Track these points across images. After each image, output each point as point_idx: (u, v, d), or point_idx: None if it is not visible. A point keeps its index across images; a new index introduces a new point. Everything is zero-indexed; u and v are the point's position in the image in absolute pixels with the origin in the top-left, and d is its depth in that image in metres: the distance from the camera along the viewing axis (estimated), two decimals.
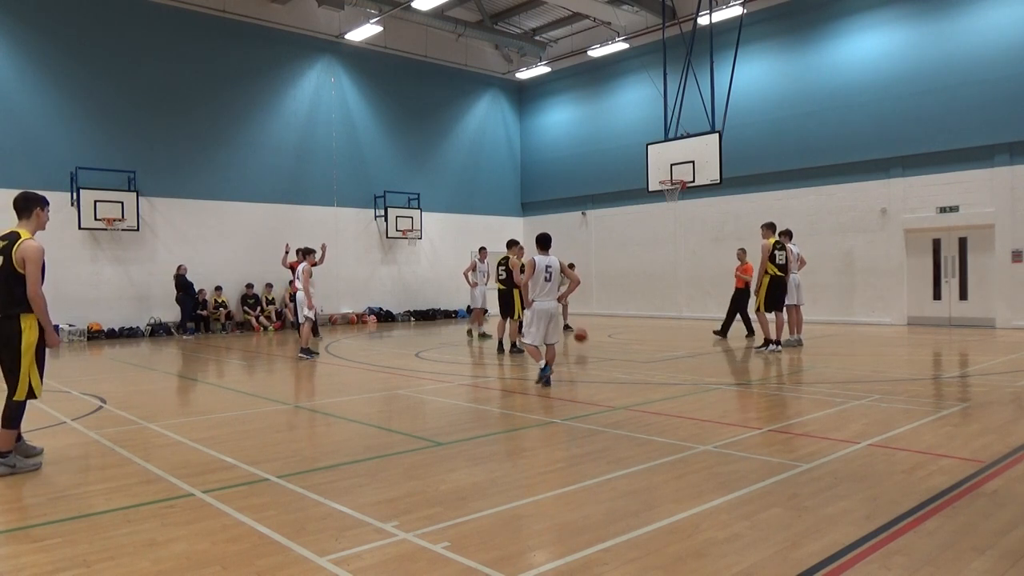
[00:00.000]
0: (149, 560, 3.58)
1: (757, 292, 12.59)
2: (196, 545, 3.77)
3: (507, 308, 13.26)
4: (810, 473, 4.92)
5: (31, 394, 5.31)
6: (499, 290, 13.43)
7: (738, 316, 15.38)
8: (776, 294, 12.57)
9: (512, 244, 13.58)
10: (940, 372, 10.22)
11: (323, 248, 15.90)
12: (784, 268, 12.63)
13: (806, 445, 5.73)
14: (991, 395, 7.87)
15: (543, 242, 9.09)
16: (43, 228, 5.55)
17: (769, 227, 12.74)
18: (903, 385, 8.65)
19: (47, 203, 5.60)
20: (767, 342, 12.39)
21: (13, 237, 5.31)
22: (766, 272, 12.50)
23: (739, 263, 15.62)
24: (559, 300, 8.99)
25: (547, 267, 8.80)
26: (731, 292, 15.47)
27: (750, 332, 15.13)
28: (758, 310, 12.54)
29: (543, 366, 8.91)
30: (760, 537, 3.76)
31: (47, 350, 5.49)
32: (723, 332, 15.37)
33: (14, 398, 5.26)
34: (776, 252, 12.58)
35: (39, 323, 5.31)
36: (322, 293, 15.53)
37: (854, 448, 5.59)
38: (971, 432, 6.12)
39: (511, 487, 4.74)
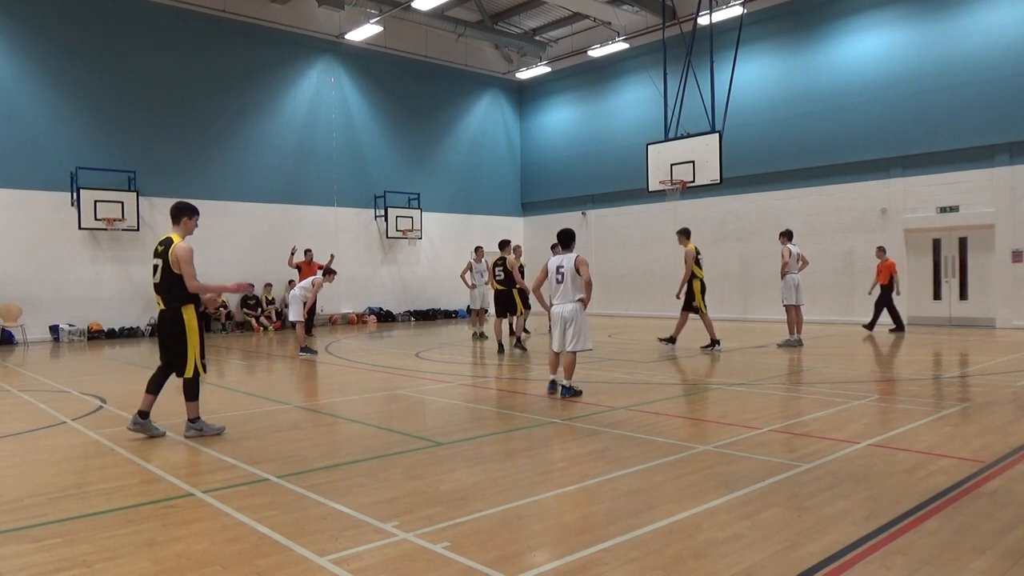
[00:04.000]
0: (149, 560, 3.58)
1: (686, 295, 13.01)
2: (196, 545, 3.77)
3: (505, 307, 13.33)
4: (810, 473, 4.92)
5: (197, 372, 6.35)
6: (497, 290, 13.46)
7: (883, 310, 15.97)
8: (703, 296, 13.04)
9: (504, 244, 13.66)
10: (940, 372, 10.22)
11: (331, 258, 16.56)
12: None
13: (806, 445, 5.73)
14: (991, 395, 7.86)
15: (562, 240, 8.30)
16: (191, 233, 6.48)
17: (686, 233, 13.36)
18: (903, 385, 8.65)
19: (196, 212, 6.52)
20: (714, 342, 12.72)
21: (168, 242, 6.28)
22: (694, 276, 12.92)
23: (880, 260, 16.04)
24: (584, 304, 8.09)
25: (558, 268, 8.10)
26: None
27: (898, 327, 15.83)
28: (699, 311, 12.91)
29: (550, 380, 8.36)
30: (760, 537, 3.76)
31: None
32: (898, 326, 15.89)
33: (184, 376, 6.33)
34: (698, 256, 13.09)
35: (196, 310, 6.37)
36: (323, 293, 15.50)
37: (854, 448, 5.59)
38: (971, 432, 6.11)
39: (511, 487, 4.74)
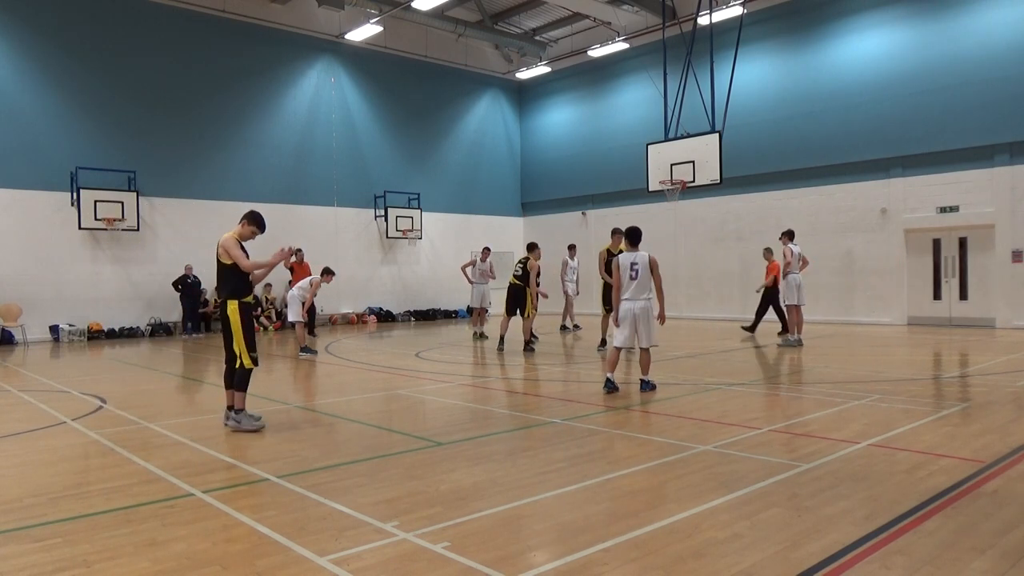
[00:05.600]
0: (149, 560, 3.58)
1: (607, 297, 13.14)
2: (196, 545, 3.77)
3: (515, 304, 13.38)
4: (810, 473, 4.92)
5: (244, 365, 6.51)
6: (512, 284, 13.50)
7: (767, 312, 15.80)
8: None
9: (531, 247, 13.80)
10: (940, 372, 10.22)
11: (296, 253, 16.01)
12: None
13: (806, 445, 5.73)
14: (991, 395, 7.86)
15: (631, 237, 8.41)
16: (243, 237, 6.64)
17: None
18: (903, 385, 8.65)
19: (258, 225, 6.69)
20: (604, 342, 12.98)
21: (220, 239, 6.61)
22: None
23: (767, 261, 15.85)
24: (659, 302, 8.26)
25: (632, 264, 8.18)
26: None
27: (784, 329, 15.43)
28: (527, 315, 13.23)
29: (608, 377, 8.25)
30: (760, 537, 3.76)
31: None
32: (752, 329, 15.74)
33: (236, 367, 6.56)
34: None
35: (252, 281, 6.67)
36: (322, 293, 15.52)
37: (854, 448, 5.58)
38: (971, 432, 6.11)
39: (511, 487, 4.74)
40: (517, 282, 13.43)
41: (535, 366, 11.41)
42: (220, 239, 6.53)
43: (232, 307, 6.52)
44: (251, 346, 6.56)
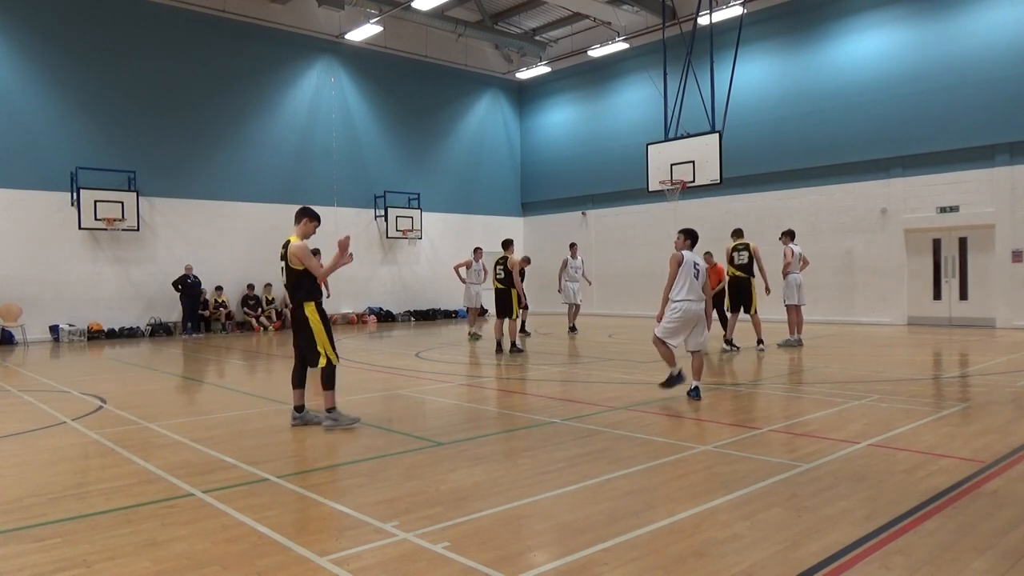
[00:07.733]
0: (149, 560, 3.58)
1: (520, 308, 13.34)
2: (196, 545, 3.77)
3: (504, 308, 13.24)
4: (810, 473, 4.92)
5: (330, 362, 6.63)
6: (496, 289, 13.38)
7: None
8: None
9: (508, 244, 13.60)
10: (940, 372, 10.22)
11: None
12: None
13: (806, 445, 5.73)
14: (991, 395, 7.87)
15: (691, 237, 7.97)
16: (308, 236, 6.79)
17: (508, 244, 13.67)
18: (903, 385, 8.65)
19: (317, 218, 6.85)
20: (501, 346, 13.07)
21: (286, 243, 6.74)
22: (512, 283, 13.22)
23: (708, 265, 15.69)
24: (708, 305, 8.06)
25: (695, 263, 7.81)
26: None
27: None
28: (515, 317, 13.15)
29: (676, 372, 7.94)
30: (760, 537, 3.76)
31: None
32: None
33: (320, 367, 6.63)
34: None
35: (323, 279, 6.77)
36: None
37: (854, 448, 5.59)
38: (971, 432, 6.11)
39: (511, 487, 4.74)
40: (501, 286, 13.13)
41: (533, 366, 11.41)
42: (290, 247, 6.61)
43: (310, 309, 6.65)
44: (332, 343, 6.71)
